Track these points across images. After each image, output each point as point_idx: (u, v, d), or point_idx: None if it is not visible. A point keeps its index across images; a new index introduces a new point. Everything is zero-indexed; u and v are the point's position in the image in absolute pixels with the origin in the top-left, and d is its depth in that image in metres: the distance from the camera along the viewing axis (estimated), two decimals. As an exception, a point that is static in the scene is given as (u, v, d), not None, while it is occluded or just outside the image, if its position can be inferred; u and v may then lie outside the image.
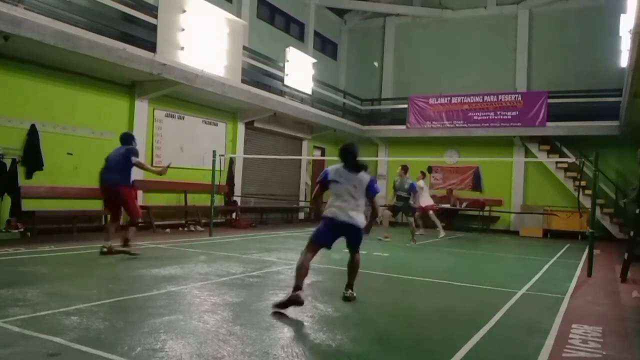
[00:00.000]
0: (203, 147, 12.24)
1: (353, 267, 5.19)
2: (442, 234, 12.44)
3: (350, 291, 5.11)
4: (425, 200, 12.46)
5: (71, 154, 9.58)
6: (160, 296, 4.77)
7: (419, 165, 16.90)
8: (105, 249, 6.96)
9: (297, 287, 4.58)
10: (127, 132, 7.84)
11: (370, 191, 4.99)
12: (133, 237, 7.29)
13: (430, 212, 12.68)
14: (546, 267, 8.28)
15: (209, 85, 10.88)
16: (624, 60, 11.22)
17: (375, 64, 18.92)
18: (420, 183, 12.39)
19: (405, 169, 11.03)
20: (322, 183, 5.02)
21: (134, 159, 7.13)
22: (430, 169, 17.25)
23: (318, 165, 17.95)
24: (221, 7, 11.93)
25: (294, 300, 4.48)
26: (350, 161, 4.97)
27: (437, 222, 12.67)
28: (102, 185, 7.23)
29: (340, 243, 5.16)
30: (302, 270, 4.76)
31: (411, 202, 11.07)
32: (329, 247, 5.09)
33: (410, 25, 18.89)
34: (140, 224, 7.69)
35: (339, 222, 4.90)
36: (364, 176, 4.96)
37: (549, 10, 16.68)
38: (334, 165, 5.12)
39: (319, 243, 5.03)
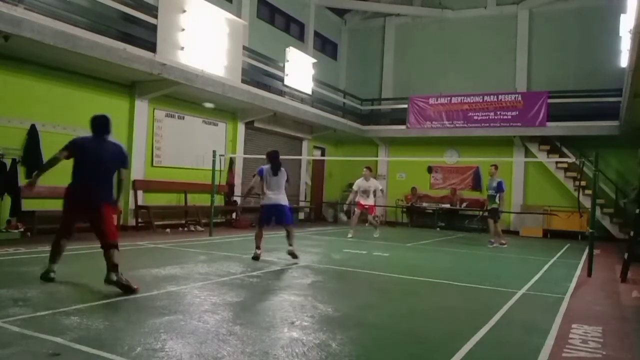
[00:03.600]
0: (203, 147, 12.25)
1: (290, 234, 7.54)
2: (377, 234, 12.04)
3: (292, 248, 7.47)
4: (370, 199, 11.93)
5: (71, 154, 9.57)
6: (160, 296, 4.77)
7: (419, 165, 17.02)
8: (52, 275, 5.16)
9: (258, 247, 7.47)
10: (103, 115, 5.52)
11: (287, 177, 7.76)
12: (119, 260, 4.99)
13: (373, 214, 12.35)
14: (546, 267, 8.27)
15: (208, 85, 10.88)
16: (624, 60, 11.20)
17: None
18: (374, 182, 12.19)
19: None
20: (262, 176, 7.55)
21: (125, 172, 5.24)
22: (430, 169, 17.31)
23: (318, 165, 17.97)
24: (221, 7, 11.93)
25: (256, 256, 7.38)
26: (277, 166, 7.56)
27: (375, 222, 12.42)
28: (77, 199, 5.09)
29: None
30: (258, 237, 7.51)
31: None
32: (269, 224, 7.66)
33: (410, 25, 18.89)
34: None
35: (272, 205, 7.48)
36: (282, 170, 7.64)
37: (549, 10, 16.67)
38: (265, 165, 7.63)
39: (264, 224, 7.64)
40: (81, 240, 8.48)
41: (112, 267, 4.85)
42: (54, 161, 5.11)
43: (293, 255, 7.44)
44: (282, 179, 7.63)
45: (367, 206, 11.85)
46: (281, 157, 7.91)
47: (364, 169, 11.97)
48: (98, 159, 5.07)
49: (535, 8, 16.82)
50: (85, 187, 5.03)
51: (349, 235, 11.53)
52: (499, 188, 10.92)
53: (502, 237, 11.24)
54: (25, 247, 7.45)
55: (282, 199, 7.54)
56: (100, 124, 5.31)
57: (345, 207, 11.82)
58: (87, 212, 5.06)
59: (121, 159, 5.21)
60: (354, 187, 11.96)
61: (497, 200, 10.93)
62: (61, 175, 9.33)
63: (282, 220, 7.54)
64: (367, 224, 12.89)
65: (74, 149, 5.12)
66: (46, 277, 5.11)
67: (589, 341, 3.92)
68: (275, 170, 7.58)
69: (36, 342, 3.26)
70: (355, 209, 12.08)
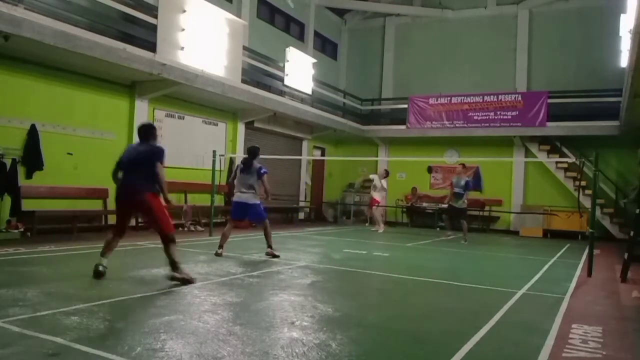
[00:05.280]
0: (203, 147, 12.24)
1: (266, 232, 7.70)
2: (381, 229, 13.20)
3: (270, 249, 7.66)
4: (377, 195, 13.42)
5: (71, 154, 9.58)
6: (160, 296, 4.78)
7: (419, 165, 17.00)
8: (101, 268, 5.42)
9: (220, 246, 7.53)
10: (148, 124, 6.02)
11: (259, 173, 7.57)
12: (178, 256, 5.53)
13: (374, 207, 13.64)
14: (546, 267, 8.27)
15: (208, 85, 10.88)
16: (624, 60, 11.21)
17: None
18: (383, 182, 13.52)
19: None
20: (235, 173, 7.79)
21: (159, 166, 5.37)
22: (430, 169, 17.30)
23: (318, 165, 17.97)
24: (221, 7, 11.93)
25: (218, 254, 7.44)
26: (248, 162, 7.59)
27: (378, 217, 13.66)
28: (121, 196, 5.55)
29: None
30: (225, 236, 7.58)
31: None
32: (242, 220, 7.87)
33: (410, 25, 18.89)
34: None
35: (241, 203, 7.57)
36: (255, 165, 7.59)
37: (549, 10, 16.67)
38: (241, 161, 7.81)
39: (235, 219, 7.78)
40: (80, 240, 8.51)
41: (171, 263, 5.37)
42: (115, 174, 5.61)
43: (272, 255, 7.61)
44: (251, 177, 7.56)
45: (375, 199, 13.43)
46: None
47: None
48: (132, 159, 5.49)
49: (535, 8, 16.82)
50: (125, 185, 5.48)
51: (380, 231, 13.13)
52: (467, 186, 11.44)
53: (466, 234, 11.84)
54: (25, 247, 7.44)
55: (249, 198, 7.55)
56: (139, 131, 5.72)
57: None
58: (133, 207, 5.53)
59: (150, 155, 5.45)
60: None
61: (464, 198, 11.43)
62: (61, 175, 9.40)
63: (253, 219, 7.81)
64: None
65: (122, 156, 5.63)
66: (95, 272, 5.38)
67: (589, 341, 3.92)
68: (244, 167, 7.60)
69: (36, 342, 3.26)
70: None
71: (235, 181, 7.75)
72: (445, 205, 15.96)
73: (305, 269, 6.86)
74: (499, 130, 15.32)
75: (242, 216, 7.75)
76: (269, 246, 7.72)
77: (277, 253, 7.67)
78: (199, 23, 10.72)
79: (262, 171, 7.66)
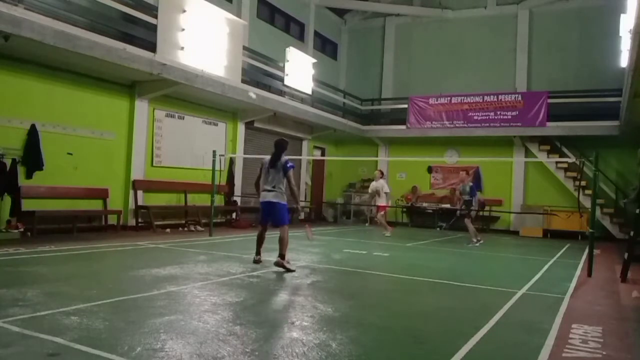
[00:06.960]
0: (203, 147, 12.25)
1: (281, 240, 6.74)
2: (389, 232, 12.91)
3: (280, 259, 6.68)
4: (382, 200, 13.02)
5: (71, 154, 9.58)
6: (160, 296, 4.77)
7: (419, 165, 17.02)
8: None
9: (257, 252, 7.07)
10: None
11: (285, 168, 6.83)
12: None
13: (382, 212, 13.31)
14: (546, 267, 8.27)
15: (208, 85, 10.88)
16: (624, 60, 11.21)
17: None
18: (383, 182, 13.18)
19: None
20: (260, 169, 7.06)
21: None
22: (430, 169, 17.31)
23: (318, 165, 17.97)
24: (221, 7, 11.92)
25: (256, 261, 6.98)
26: (274, 157, 6.90)
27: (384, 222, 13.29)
28: None
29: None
30: (259, 240, 7.09)
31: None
32: (266, 223, 7.02)
33: (410, 25, 18.89)
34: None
35: (264, 202, 6.85)
36: (282, 159, 6.87)
37: (549, 10, 16.67)
38: (267, 157, 7.05)
39: (263, 223, 7.06)
40: (80, 240, 8.51)
41: None
42: None
43: (279, 265, 6.55)
44: (278, 173, 6.76)
45: (378, 205, 13.05)
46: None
47: (375, 171, 13.53)
48: None
49: (535, 8, 16.82)
50: None
51: (388, 234, 12.62)
52: (473, 191, 11.53)
53: (478, 235, 11.65)
54: (25, 247, 7.44)
55: (274, 196, 6.72)
56: None
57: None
58: None
59: None
60: (369, 190, 13.35)
61: (473, 203, 11.49)
62: (61, 175, 9.40)
63: (273, 220, 6.87)
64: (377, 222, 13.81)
65: None
66: None
67: (589, 341, 3.92)
68: (272, 162, 6.83)
69: (36, 342, 3.26)
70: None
71: (261, 180, 6.94)
72: (448, 206, 16.10)
73: (305, 269, 6.86)
74: (499, 130, 15.32)
75: (268, 217, 6.91)
76: (281, 255, 6.60)
77: (290, 267, 6.55)
78: (199, 23, 10.72)
79: (288, 165, 6.79)
